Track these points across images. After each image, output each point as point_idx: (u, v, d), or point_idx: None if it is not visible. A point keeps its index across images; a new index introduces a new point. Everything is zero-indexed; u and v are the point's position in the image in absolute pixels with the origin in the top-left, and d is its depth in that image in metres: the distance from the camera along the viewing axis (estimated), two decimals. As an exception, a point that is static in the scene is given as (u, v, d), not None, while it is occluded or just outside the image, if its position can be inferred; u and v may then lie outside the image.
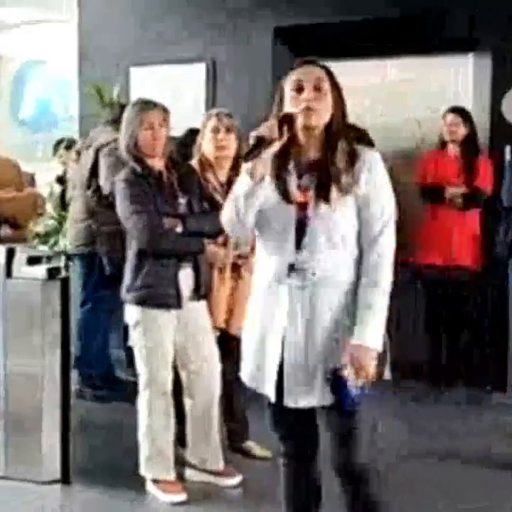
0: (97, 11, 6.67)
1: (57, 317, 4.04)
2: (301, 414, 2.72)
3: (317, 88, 2.65)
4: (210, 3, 6.24)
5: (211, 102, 6.08)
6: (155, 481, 3.86)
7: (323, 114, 2.65)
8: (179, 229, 3.73)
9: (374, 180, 2.66)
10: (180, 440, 4.02)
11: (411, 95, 6.24)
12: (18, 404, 4.05)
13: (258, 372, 2.74)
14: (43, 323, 4.02)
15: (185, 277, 3.78)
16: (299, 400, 2.67)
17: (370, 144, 4.76)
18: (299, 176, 2.67)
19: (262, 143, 2.57)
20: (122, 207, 3.77)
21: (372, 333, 2.59)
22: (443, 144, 5.75)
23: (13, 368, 4.06)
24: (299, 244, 2.64)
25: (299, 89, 2.65)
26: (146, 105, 3.87)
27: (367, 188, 2.64)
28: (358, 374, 2.56)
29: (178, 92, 6.09)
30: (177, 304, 3.75)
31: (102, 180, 5.13)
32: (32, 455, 4.02)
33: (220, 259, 4.01)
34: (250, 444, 4.27)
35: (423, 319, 5.91)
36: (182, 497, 3.80)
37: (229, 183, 3.86)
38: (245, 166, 2.62)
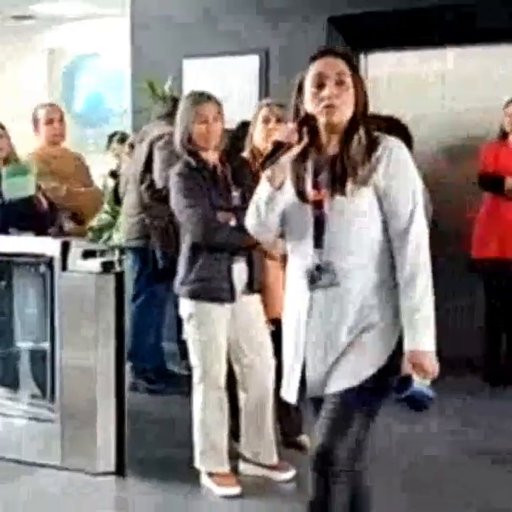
0: (150, 5, 6.68)
1: (111, 310, 4.07)
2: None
3: (339, 83, 2.55)
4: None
5: (264, 93, 6.06)
6: (209, 474, 3.86)
7: (346, 110, 2.56)
8: (233, 222, 3.71)
9: (396, 169, 2.56)
10: (235, 434, 4.02)
11: (471, 85, 6.17)
12: (73, 397, 4.09)
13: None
14: (97, 316, 4.05)
15: (239, 271, 3.77)
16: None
17: (406, 136, 4.68)
18: (316, 174, 2.61)
19: (280, 147, 2.52)
20: (176, 200, 3.77)
21: (424, 336, 2.53)
22: (504, 135, 5.65)
23: (67, 360, 4.10)
24: (318, 243, 2.59)
25: (320, 85, 2.55)
26: (200, 98, 3.86)
27: (387, 177, 2.55)
28: (423, 376, 2.53)
29: (231, 84, 6.08)
30: (230, 297, 3.74)
31: (156, 174, 5.14)
32: (87, 447, 4.06)
33: (281, 247, 3.98)
34: (304, 438, 4.25)
35: (481, 314, 5.81)
36: (236, 490, 3.80)
37: None
38: (265, 173, 2.58)
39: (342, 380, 2.57)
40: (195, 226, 3.69)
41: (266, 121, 4.06)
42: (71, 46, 8.27)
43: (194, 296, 3.72)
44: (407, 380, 2.54)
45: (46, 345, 4.21)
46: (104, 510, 3.68)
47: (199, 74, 6.32)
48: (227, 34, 6.28)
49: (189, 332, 3.80)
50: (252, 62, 6.17)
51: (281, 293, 3.98)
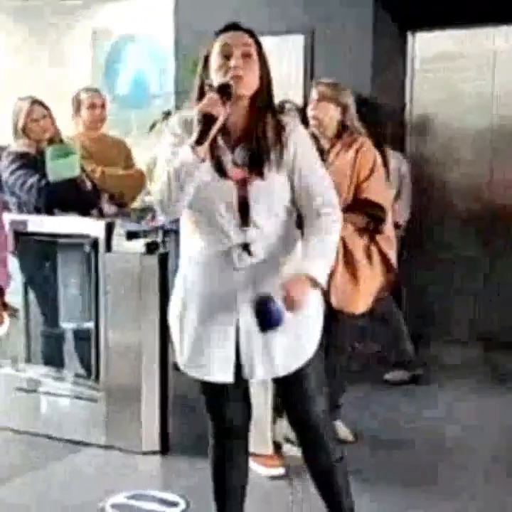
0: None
1: (155, 290, 4.07)
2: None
3: (245, 55, 2.56)
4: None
5: (309, 73, 6.00)
6: (253, 455, 3.85)
7: (252, 83, 2.56)
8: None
9: (305, 149, 2.63)
10: (279, 414, 4.00)
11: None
12: (118, 376, 4.11)
13: (203, 357, 2.67)
14: (141, 296, 4.06)
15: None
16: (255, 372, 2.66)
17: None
18: (232, 151, 2.58)
19: (208, 119, 2.46)
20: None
21: (314, 271, 2.54)
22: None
23: (112, 340, 4.12)
24: (244, 221, 2.57)
25: (227, 55, 2.55)
26: None
27: (299, 157, 2.59)
28: (291, 296, 2.50)
29: (276, 63, 6.01)
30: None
31: None
32: (131, 426, 4.08)
33: None
34: (338, 424, 4.21)
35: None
36: (280, 471, 3.80)
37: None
38: (189, 142, 2.49)
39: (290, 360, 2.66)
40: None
41: (312, 99, 4.04)
42: (115, 27, 8.24)
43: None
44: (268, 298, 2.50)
45: (90, 325, 4.24)
46: (149, 489, 3.70)
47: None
48: (272, 13, 6.22)
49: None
50: (297, 42, 6.11)
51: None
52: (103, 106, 5.32)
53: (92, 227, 4.18)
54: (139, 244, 4.09)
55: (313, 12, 6.10)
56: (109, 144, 5.33)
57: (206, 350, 2.67)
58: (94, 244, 4.14)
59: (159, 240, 4.23)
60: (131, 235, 4.14)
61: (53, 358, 4.46)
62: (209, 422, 2.87)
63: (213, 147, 2.54)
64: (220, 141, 2.58)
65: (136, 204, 6.12)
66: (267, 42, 6.12)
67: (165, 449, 4.09)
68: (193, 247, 2.68)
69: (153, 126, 6.89)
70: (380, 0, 5.92)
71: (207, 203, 2.58)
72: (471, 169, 6.25)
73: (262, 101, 2.60)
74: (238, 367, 2.68)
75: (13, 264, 4.19)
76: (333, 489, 2.87)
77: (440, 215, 6.33)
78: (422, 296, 5.94)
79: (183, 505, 3.54)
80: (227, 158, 2.58)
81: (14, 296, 4.04)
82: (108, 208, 4.92)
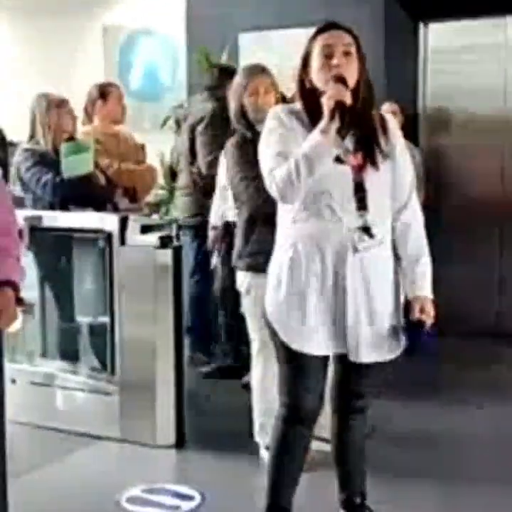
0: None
1: (169, 284, 4.08)
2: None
3: (346, 53, 2.70)
4: (320, -35, 6.14)
5: (321, 65, 5.98)
6: (269, 448, 3.85)
7: (352, 80, 2.70)
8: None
9: (400, 146, 2.83)
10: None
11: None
12: (133, 370, 4.13)
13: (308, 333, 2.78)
14: (155, 290, 4.06)
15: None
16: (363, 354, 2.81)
17: None
18: (342, 139, 2.70)
19: (341, 107, 2.61)
20: (232, 173, 3.76)
21: (425, 284, 2.84)
22: None
23: (127, 334, 4.13)
24: (361, 205, 2.69)
25: (329, 55, 2.69)
26: (252, 70, 3.85)
27: (397, 152, 2.79)
28: (427, 320, 2.81)
29: (287, 57, 6.02)
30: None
31: (200, 161, 5.16)
32: (146, 419, 4.09)
33: None
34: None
35: None
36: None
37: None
38: (320, 128, 2.63)
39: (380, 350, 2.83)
40: (251, 198, 3.67)
41: None
42: (127, 22, 8.25)
43: (251, 269, 3.70)
44: (420, 324, 2.81)
45: (105, 319, 4.25)
46: (164, 482, 3.71)
47: (254, 47, 6.27)
48: (283, 7, 6.21)
49: (247, 305, 3.78)
50: (308, 35, 6.07)
51: None
52: (121, 100, 5.32)
53: (106, 221, 4.19)
54: (153, 238, 4.09)
55: (324, 4, 6.07)
56: (122, 139, 5.34)
57: (316, 328, 2.77)
58: (109, 238, 4.15)
59: (173, 233, 4.23)
60: (145, 229, 4.15)
61: (69, 352, 4.48)
62: (283, 410, 2.93)
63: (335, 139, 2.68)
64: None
65: (149, 198, 6.14)
66: (277, 35, 6.23)
67: (180, 442, 4.10)
68: (303, 231, 2.77)
69: (165, 121, 6.90)
70: (391, -9, 5.92)
71: (323, 187, 2.69)
72: (484, 159, 6.23)
73: (365, 95, 2.74)
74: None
75: (29, 259, 4.23)
76: (362, 459, 3.07)
77: (454, 205, 6.31)
78: (438, 287, 5.92)
79: (198, 498, 3.54)
80: (342, 146, 2.70)
81: (30, 291, 4.08)
82: (121, 202, 4.92)
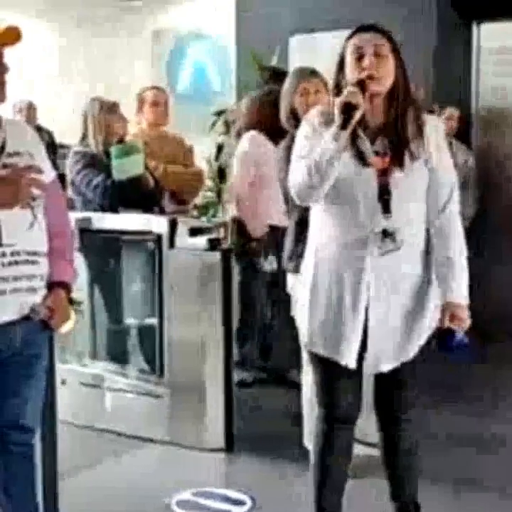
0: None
1: (218, 286, 4.07)
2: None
3: (377, 54, 2.68)
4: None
5: (370, 68, 5.94)
6: (313, 450, 3.82)
7: (385, 81, 2.69)
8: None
9: (440, 147, 2.78)
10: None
11: None
12: (181, 372, 4.13)
13: (336, 340, 2.77)
14: (204, 292, 4.06)
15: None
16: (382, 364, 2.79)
17: None
18: (372, 142, 2.70)
19: (349, 108, 2.59)
20: (284, 175, 3.72)
21: (460, 290, 2.78)
22: None
23: (176, 336, 4.13)
24: (386, 209, 2.67)
25: (360, 57, 2.68)
26: (302, 72, 3.85)
27: (434, 154, 2.74)
28: (461, 327, 2.74)
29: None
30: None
31: None
32: (195, 422, 4.09)
33: None
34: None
35: None
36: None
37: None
38: (331, 131, 2.62)
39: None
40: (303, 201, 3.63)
41: None
42: (177, 26, 8.29)
43: (302, 270, 3.67)
44: (450, 331, 2.75)
45: (154, 321, 4.25)
46: (213, 486, 3.69)
47: (304, 50, 6.25)
48: (334, 8, 6.18)
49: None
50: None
51: None
52: (166, 103, 5.34)
53: (155, 223, 4.20)
54: (201, 241, 4.09)
55: (375, 5, 6.03)
56: (169, 142, 5.35)
57: (342, 332, 2.76)
58: (158, 240, 4.16)
59: (222, 235, 4.23)
60: (194, 231, 4.15)
61: (118, 354, 4.49)
62: (321, 410, 2.94)
63: (354, 137, 2.68)
64: (361, 133, 2.70)
65: (197, 200, 6.15)
66: (327, 37, 6.20)
67: (230, 446, 4.08)
68: (327, 235, 2.78)
69: (213, 124, 6.91)
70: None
71: (347, 190, 2.69)
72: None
73: (400, 95, 2.72)
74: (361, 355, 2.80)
75: (79, 261, 4.24)
76: (412, 468, 3.02)
77: (508, 207, 6.22)
78: (490, 291, 5.84)
79: (249, 503, 3.53)
80: (368, 148, 2.70)
81: (79, 292, 4.09)
82: (168, 205, 4.93)
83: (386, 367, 2.81)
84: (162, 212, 4.65)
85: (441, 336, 2.77)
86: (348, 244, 2.73)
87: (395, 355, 2.80)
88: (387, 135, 2.71)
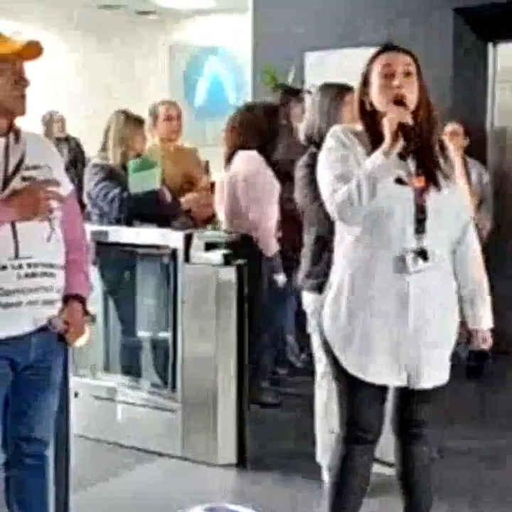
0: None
1: (232, 301, 4.07)
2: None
3: (406, 73, 2.69)
4: (389, -15, 6.14)
5: (388, 85, 5.96)
6: (330, 469, 3.81)
7: (413, 100, 2.70)
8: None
9: (458, 169, 2.86)
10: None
11: None
12: (194, 387, 4.12)
13: (372, 359, 2.76)
14: (218, 307, 4.06)
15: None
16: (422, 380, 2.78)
17: None
18: (404, 161, 2.69)
19: (404, 129, 2.60)
20: (303, 194, 3.73)
21: (487, 316, 2.88)
22: None
23: (189, 351, 4.13)
24: (420, 228, 2.68)
25: (390, 75, 2.68)
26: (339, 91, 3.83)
27: (454, 176, 2.77)
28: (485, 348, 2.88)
29: (353, 76, 5.99)
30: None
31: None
32: (208, 438, 4.08)
33: None
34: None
35: None
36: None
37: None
38: (382, 149, 2.61)
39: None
40: (322, 219, 3.63)
41: None
42: (193, 40, 8.34)
43: (320, 289, 3.66)
44: (482, 353, 2.96)
45: (167, 335, 4.25)
46: (225, 501, 3.67)
47: (320, 66, 6.26)
48: (349, 27, 6.20)
49: (314, 326, 3.74)
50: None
51: None
52: (179, 117, 5.32)
53: (171, 238, 4.21)
54: (216, 255, 4.09)
55: (392, 25, 6.05)
56: (184, 155, 5.35)
57: (377, 352, 2.75)
58: (173, 255, 4.17)
59: (237, 250, 4.23)
60: (210, 246, 4.15)
61: (131, 367, 4.50)
62: (343, 429, 2.92)
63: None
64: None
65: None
66: (343, 54, 6.21)
67: (241, 461, 4.07)
68: (360, 253, 2.76)
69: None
70: (460, 11, 5.86)
71: (384, 208, 2.68)
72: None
73: (426, 116, 2.74)
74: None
75: (94, 274, 4.25)
76: (429, 483, 3.01)
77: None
78: (506, 309, 5.81)
79: (260, 519, 3.51)
80: (402, 168, 2.70)
81: (94, 305, 4.10)
82: (179, 223, 4.87)
83: (428, 383, 2.80)
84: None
85: (472, 356, 2.87)
86: (381, 263, 2.72)
87: (436, 371, 2.81)
88: (417, 155, 2.70)
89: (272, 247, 4.72)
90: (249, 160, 4.68)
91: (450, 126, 5.63)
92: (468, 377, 5.10)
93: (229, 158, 4.79)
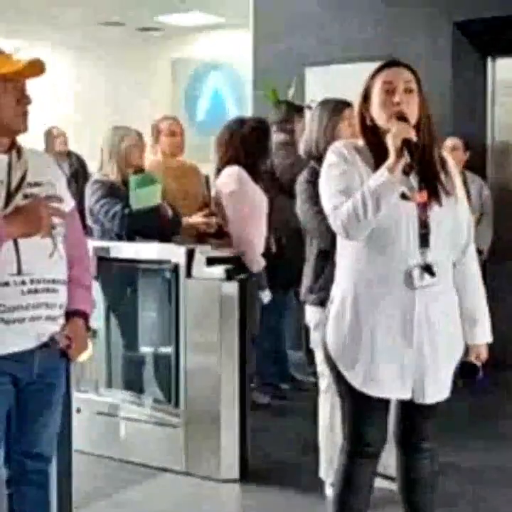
0: (272, 14, 6.70)
1: (235, 316, 4.07)
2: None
3: (408, 90, 2.71)
4: (389, 0, 6.16)
5: (388, 100, 5.98)
6: (333, 483, 3.80)
7: (414, 116, 2.72)
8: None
9: (458, 184, 2.82)
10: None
11: None
12: (197, 403, 4.12)
13: (379, 373, 2.75)
14: (221, 322, 4.06)
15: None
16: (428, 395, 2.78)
17: None
18: (406, 176, 2.69)
19: (408, 145, 2.62)
20: (304, 208, 3.74)
21: (486, 331, 2.89)
22: None
23: (191, 366, 4.13)
24: (424, 243, 2.69)
25: (390, 91, 2.70)
26: (336, 106, 3.85)
27: (457, 191, 2.78)
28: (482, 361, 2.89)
29: (353, 90, 6.02)
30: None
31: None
32: (211, 453, 4.07)
33: None
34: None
35: None
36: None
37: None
38: (387, 165, 2.63)
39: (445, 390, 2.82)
40: (323, 233, 3.64)
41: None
42: (194, 56, 8.37)
43: (322, 303, 3.67)
44: (476, 366, 2.88)
45: (170, 350, 4.25)
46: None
47: (321, 81, 6.29)
48: (349, 41, 6.23)
49: (317, 340, 3.74)
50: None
51: None
52: (182, 134, 5.32)
53: (172, 253, 4.21)
54: (218, 270, 4.10)
55: (390, 38, 6.08)
56: (186, 172, 5.33)
57: (382, 367, 2.75)
58: (175, 270, 4.17)
59: (239, 265, 4.23)
60: (211, 261, 4.16)
61: (133, 383, 4.49)
62: (346, 443, 2.92)
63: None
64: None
65: (212, 229, 6.14)
66: (344, 69, 6.24)
67: (244, 477, 4.06)
68: (364, 268, 2.76)
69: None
70: (459, 26, 5.89)
71: (388, 223, 2.69)
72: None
73: (425, 131, 2.75)
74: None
75: (96, 289, 4.25)
76: (430, 497, 3.00)
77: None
78: (506, 323, 5.81)
79: (263, 534, 3.51)
80: (404, 183, 2.70)
81: (96, 320, 4.10)
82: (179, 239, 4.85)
83: (431, 399, 2.79)
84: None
85: (465, 370, 2.87)
86: (385, 278, 2.72)
87: (439, 386, 2.80)
88: (420, 170, 2.70)
89: (256, 263, 4.65)
90: (230, 176, 4.67)
91: (450, 141, 5.65)
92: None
93: (217, 173, 4.80)
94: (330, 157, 2.80)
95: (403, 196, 2.69)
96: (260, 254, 4.69)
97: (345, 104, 3.80)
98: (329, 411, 3.76)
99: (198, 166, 5.54)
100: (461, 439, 4.54)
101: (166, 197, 4.73)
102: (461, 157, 5.67)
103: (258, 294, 4.70)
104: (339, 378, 2.85)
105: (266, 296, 4.76)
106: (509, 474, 4.17)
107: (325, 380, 3.76)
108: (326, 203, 2.78)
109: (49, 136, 7.56)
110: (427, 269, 2.69)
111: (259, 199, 4.67)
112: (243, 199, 4.64)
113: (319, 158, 3.75)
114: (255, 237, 4.67)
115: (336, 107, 3.82)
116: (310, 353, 4.37)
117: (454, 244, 2.81)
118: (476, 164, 5.92)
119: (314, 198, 3.66)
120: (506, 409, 5.25)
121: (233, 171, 4.66)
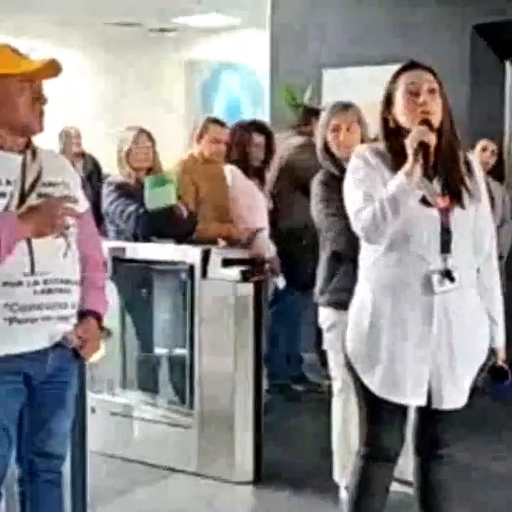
0: (289, 16, 6.70)
1: (250, 318, 4.07)
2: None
3: (431, 91, 2.70)
4: (406, 2, 6.13)
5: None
6: (348, 487, 3.78)
7: (439, 118, 2.70)
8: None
9: (483, 188, 2.79)
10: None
11: None
12: (211, 404, 4.11)
13: (399, 379, 2.73)
14: (236, 323, 4.06)
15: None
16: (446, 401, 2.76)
17: None
18: (429, 181, 2.68)
19: (425, 148, 2.61)
20: (318, 209, 3.74)
21: (503, 336, 2.88)
22: None
23: (206, 367, 4.13)
24: (445, 248, 2.67)
25: (415, 92, 2.69)
26: (335, 107, 3.85)
27: (482, 194, 2.76)
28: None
29: (371, 94, 6.00)
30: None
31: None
32: (224, 454, 4.07)
33: None
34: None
35: None
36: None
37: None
38: (404, 170, 2.61)
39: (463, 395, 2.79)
40: (337, 235, 3.63)
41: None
42: (210, 56, 8.37)
43: (335, 305, 3.66)
44: (504, 370, 2.84)
45: (184, 351, 4.25)
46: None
47: (338, 83, 6.27)
48: (368, 45, 6.21)
49: (330, 342, 3.74)
50: (392, 72, 6.06)
51: None
52: (226, 142, 5.03)
53: (188, 254, 4.21)
54: (234, 272, 4.09)
55: (409, 42, 6.06)
56: (219, 180, 5.16)
57: (400, 372, 2.74)
58: (191, 271, 4.17)
59: (255, 267, 4.23)
60: (227, 262, 4.15)
61: (148, 384, 4.50)
62: (363, 448, 2.90)
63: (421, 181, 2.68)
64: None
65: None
66: (362, 72, 6.22)
67: (258, 478, 4.06)
68: (384, 272, 2.76)
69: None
70: (478, 29, 5.85)
71: (409, 229, 2.68)
72: None
73: (449, 134, 2.73)
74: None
75: (111, 289, 4.26)
76: (447, 504, 2.97)
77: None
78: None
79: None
80: (427, 187, 2.68)
81: (111, 320, 4.11)
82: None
83: (449, 405, 2.77)
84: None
85: (496, 375, 2.86)
86: (406, 283, 2.71)
87: (458, 393, 2.78)
88: (443, 174, 2.70)
89: (267, 248, 4.82)
90: (227, 173, 4.97)
91: (482, 142, 5.65)
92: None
93: None
94: (354, 162, 2.80)
95: (425, 202, 2.67)
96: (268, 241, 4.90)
97: (344, 107, 3.80)
98: (342, 414, 3.74)
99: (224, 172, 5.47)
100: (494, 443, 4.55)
101: (180, 196, 4.69)
102: (487, 158, 5.66)
103: (272, 280, 4.78)
104: (357, 382, 2.83)
105: (281, 281, 4.80)
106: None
107: (338, 383, 3.74)
108: (350, 207, 2.78)
109: (67, 136, 7.58)
110: (447, 274, 2.67)
111: (246, 192, 4.99)
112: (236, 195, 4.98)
113: (331, 160, 3.76)
114: (243, 210, 4.91)
115: (330, 110, 3.83)
116: (323, 355, 4.37)
117: (476, 248, 2.79)
118: (494, 168, 5.88)
119: (328, 199, 3.67)
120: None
121: (228, 169, 5.02)
